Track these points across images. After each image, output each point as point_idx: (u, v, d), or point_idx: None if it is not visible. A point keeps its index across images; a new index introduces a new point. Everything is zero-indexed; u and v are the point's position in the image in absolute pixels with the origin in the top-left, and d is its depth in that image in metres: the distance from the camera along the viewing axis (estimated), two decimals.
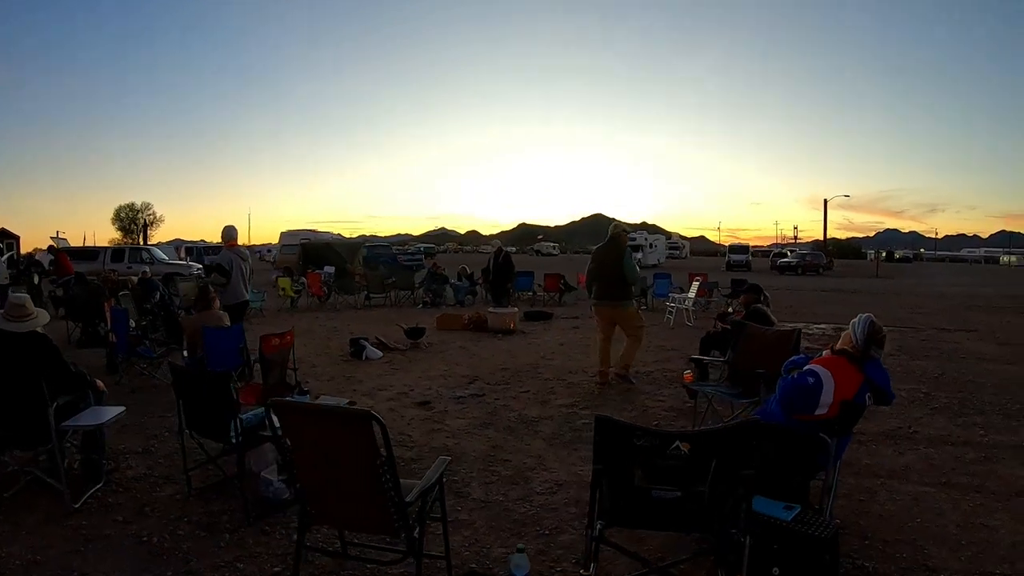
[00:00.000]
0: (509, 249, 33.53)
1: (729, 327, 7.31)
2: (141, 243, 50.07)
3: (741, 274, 29.63)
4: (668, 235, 62.65)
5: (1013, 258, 78.25)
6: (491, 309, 13.00)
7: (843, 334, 3.87)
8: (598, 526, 3.01)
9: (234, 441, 4.12)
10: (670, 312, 14.22)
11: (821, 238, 65.17)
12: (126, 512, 4.18)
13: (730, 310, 8.86)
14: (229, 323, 7.19)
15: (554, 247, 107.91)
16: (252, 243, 70.49)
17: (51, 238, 35.58)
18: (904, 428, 6.15)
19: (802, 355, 4.24)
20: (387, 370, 8.69)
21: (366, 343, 9.55)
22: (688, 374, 6.39)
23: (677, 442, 2.86)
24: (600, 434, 2.99)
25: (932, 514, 4.28)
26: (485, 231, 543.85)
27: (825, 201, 63.61)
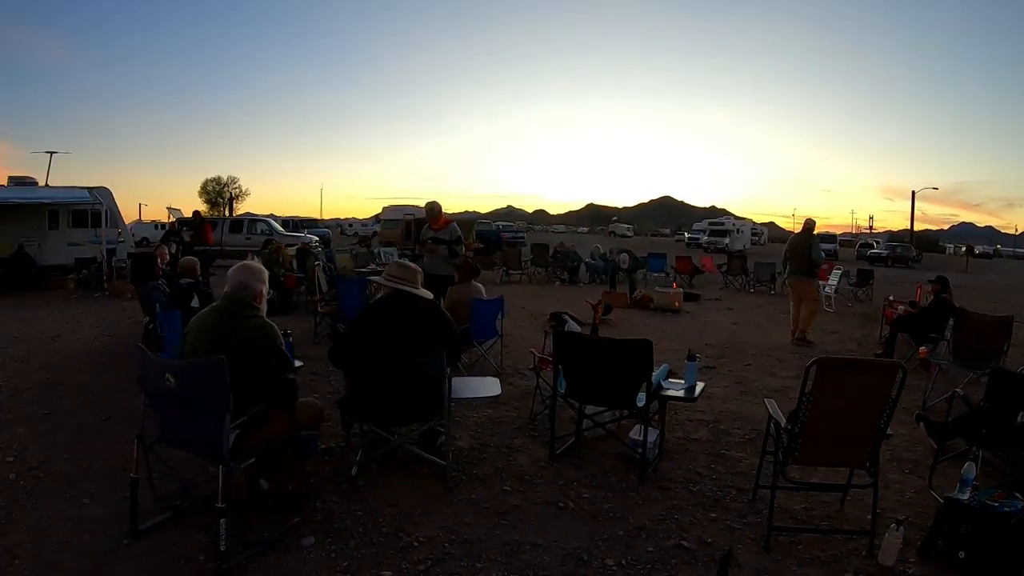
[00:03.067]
0: (581, 230, 33.62)
1: (917, 312, 9.28)
2: (227, 215, 48.84)
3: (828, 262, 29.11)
4: (737, 219, 62.97)
5: None
6: (658, 289, 13.65)
7: None
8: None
9: (640, 404, 4.37)
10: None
11: (896, 229, 63.79)
12: (507, 482, 4.29)
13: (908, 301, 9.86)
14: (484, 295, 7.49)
15: (629, 228, 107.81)
16: (324, 217, 68.91)
17: (167, 208, 36.05)
18: None
19: None
20: None
21: (567, 318, 10.20)
22: (923, 350, 8.00)
23: None
24: (994, 382, 4.26)
25: None
26: (553, 211, 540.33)
27: (913, 193, 62.34)
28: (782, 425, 3.58)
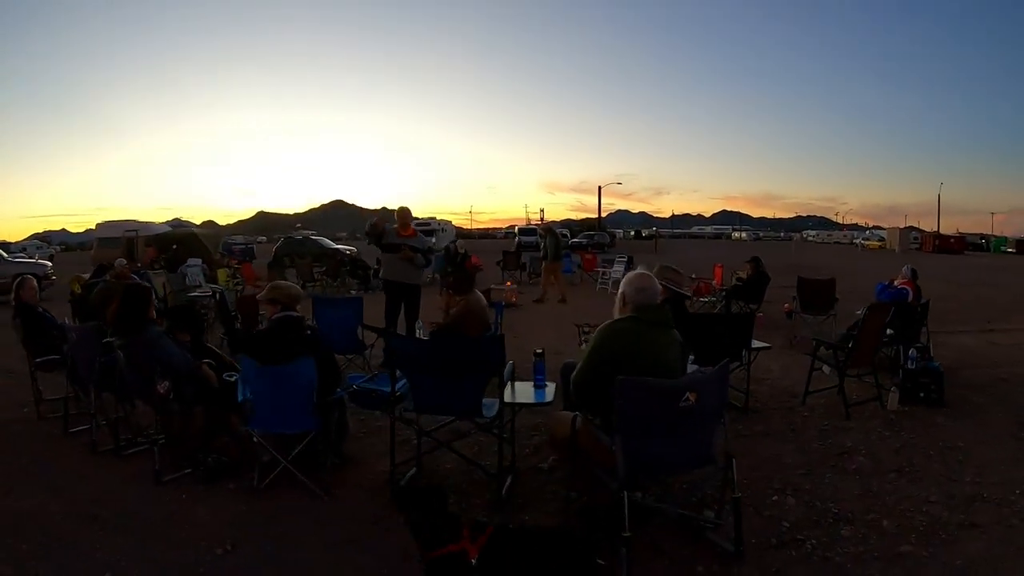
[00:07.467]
0: (260, 239, 32.94)
1: (744, 284, 12.22)
2: None
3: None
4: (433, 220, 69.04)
5: (744, 234, 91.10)
6: (493, 286, 14.98)
7: (901, 272, 8.82)
8: None
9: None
10: (603, 283, 17.84)
11: (560, 219, 73.53)
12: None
13: (742, 275, 12.88)
14: None
15: (312, 235, 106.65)
16: None
17: None
18: None
19: (883, 283, 8.96)
20: None
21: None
22: (787, 305, 10.73)
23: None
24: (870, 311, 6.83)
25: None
26: (222, 220, 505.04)
27: (599, 188, 74.23)
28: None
